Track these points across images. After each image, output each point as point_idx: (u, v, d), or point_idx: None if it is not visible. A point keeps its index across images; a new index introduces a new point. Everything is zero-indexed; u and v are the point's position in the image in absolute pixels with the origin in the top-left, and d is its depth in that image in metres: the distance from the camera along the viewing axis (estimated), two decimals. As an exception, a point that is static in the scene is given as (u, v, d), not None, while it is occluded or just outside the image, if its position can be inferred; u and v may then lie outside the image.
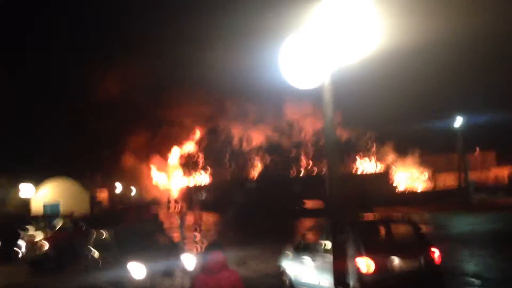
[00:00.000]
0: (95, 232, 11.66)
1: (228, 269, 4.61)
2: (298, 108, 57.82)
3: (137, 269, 9.24)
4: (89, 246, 11.46)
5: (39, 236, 17.35)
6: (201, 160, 52.85)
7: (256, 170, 52.59)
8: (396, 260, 7.66)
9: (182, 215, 20.83)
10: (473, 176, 45.14)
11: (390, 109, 50.87)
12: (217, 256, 4.55)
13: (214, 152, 50.59)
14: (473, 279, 10.36)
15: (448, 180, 53.37)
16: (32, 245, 16.20)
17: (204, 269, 4.57)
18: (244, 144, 52.21)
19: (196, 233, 20.71)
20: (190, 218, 23.11)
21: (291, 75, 4.55)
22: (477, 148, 57.48)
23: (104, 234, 10.97)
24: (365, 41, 4.13)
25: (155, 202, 57.32)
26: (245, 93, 63.57)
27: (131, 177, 58.54)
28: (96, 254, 11.07)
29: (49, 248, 15.62)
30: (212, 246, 4.68)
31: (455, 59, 35.18)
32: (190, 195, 48.12)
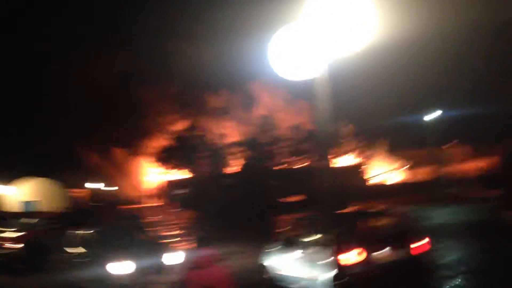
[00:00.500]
0: (75, 231, 11.46)
1: (219, 264, 4.61)
2: (276, 102, 57.99)
3: (121, 267, 9.14)
4: (67, 245, 11.24)
5: (10, 234, 16.20)
6: (178, 155, 52.35)
7: (235, 165, 52.47)
8: (383, 251, 7.78)
9: (160, 212, 20.65)
10: (448, 169, 46.18)
11: (367, 103, 51.59)
12: (208, 251, 4.56)
13: (192, 147, 50.18)
14: (451, 271, 10.61)
15: (424, 173, 54.50)
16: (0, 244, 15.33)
17: (194, 265, 4.56)
18: (222, 139, 52.01)
19: (177, 230, 20.57)
20: (169, 214, 22.96)
21: (282, 67, 4.57)
22: (452, 142, 58.78)
23: (85, 232, 10.80)
24: (361, 35, 4.17)
25: (131, 199, 56.65)
26: (225, 87, 63.37)
27: (110, 175, 57.73)
28: (76, 252, 10.88)
29: (19, 248, 14.93)
30: (202, 241, 4.67)
31: (437, 55, 35.92)
32: (168, 191, 47.73)
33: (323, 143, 4.88)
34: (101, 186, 53.96)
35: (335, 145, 54.68)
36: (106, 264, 9.25)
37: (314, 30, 4.35)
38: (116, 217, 16.46)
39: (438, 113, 32.57)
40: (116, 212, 21.68)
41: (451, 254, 12.51)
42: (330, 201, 5.07)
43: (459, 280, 9.70)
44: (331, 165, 5.24)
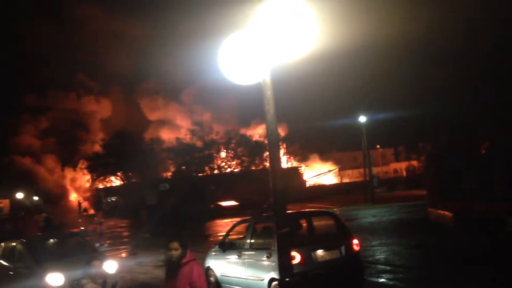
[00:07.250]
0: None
1: (195, 262, 4.79)
2: (211, 108, 58.01)
3: (55, 278, 8.75)
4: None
5: None
6: (110, 162, 50.67)
7: (169, 171, 51.74)
8: (319, 251, 8.09)
9: (92, 221, 19.89)
10: (375, 171, 48.53)
11: (305, 107, 53.11)
12: (188, 251, 4.72)
13: (124, 153, 48.75)
14: (384, 267, 11.18)
15: (354, 175, 56.95)
16: None
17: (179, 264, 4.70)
18: (156, 145, 51.11)
19: (107, 240, 19.89)
20: (103, 223, 22.17)
21: (231, 71, 4.72)
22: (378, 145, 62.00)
23: (15, 244, 10.22)
24: (303, 41, 4.40)
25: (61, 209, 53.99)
26: (160, 93, 62.51)
27: (33, 183, 54.62)
28: (4, 265, 10.27)
29: None
30: (182, 242, 4.81)
31: (373, 63, 37.56)
32: (99, 200, 46.08)
33: (274, 146, 5.05)
34: (21, 196, 50.92)
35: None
36: (39, 276, 8.84)
37: (261, 36, 4.54)
38: (46, 228, 15.68)
39: (371, 116, 34.20)
40: (36, 222, 20.57)
41: (382, 251, 13.18)
42: (283, 203, 5.24)
43: (390, 276, 10.24)
44: (278, 168, 5.41)
